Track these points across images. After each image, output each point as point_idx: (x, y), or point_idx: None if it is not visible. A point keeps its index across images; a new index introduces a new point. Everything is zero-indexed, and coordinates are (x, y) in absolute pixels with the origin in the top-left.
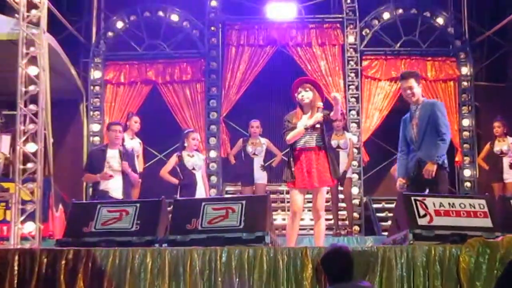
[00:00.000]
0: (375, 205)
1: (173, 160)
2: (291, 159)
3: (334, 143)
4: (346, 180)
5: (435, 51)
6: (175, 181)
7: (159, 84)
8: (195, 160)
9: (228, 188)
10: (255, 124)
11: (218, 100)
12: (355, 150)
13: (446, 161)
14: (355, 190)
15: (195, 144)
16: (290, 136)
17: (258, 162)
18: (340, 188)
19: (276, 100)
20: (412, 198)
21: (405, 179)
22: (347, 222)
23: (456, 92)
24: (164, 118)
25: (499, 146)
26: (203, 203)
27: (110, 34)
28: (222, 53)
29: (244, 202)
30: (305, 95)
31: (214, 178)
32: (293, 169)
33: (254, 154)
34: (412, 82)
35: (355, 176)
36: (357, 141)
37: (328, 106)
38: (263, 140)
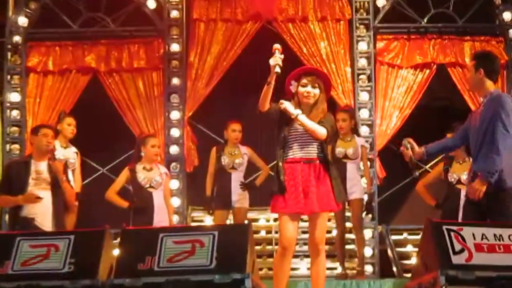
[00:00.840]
0: (394, 237)
1: (124, 175)
2: (281, 172)
3: (339, 151)
4: (355, 202)
5: (476, 28)
6: (124, 204)
7: (101, 73)
8: (153, 175)
9: (195, 214)
10: (237, 127)
11: (181, 94)
12: (368, 162)
13: (509, 180)
14: (366, 217)
15: (156, 153)
16: (261, 96)
17: (237, 178)
18: (347, 213)
19: (257, 96)
20: (444, 227)
21: (421, 150)
22: (356, 260)
23: (504, 83)
24: (108, 119)
25: (457, 171)
26: (161, 235)
27: (33, 5)
28: (186, 32)
29: (216, 233)
30: (312, 92)
31: (176, 201)
32: (281, 178)
33: (231, 168)
34: (471, 63)
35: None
36: (369, 150)
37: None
38: (244, 150)
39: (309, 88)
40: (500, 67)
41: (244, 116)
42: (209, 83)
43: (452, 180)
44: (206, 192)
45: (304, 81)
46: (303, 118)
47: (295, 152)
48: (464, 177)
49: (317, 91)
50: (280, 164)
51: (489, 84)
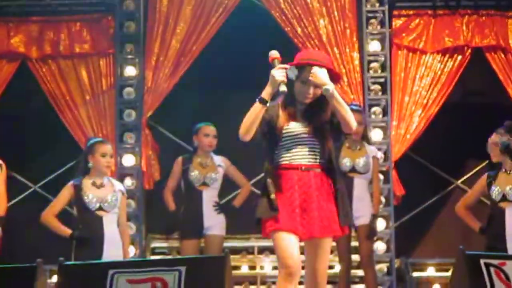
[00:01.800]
0: (416, 274)
1: (66, 193)
2: (270, 188)
3: (345, 163)
4: (364, 228)
5: None
6: (65, 231)
7: (33, 59)
8: (104, 193)
9: (156, 245)
10: (211, 130)
11: (138, 88)
12: (380, 177)
13: None
14: (380, 247)
15: (108, 164)
16: (245, 119)
17: (209, 198)
18: (353, 243)
19: (240, 91)
20: (482, 261)
21: None
22: None
23: None
24: (42, 120)
25: (502, 184)
26: (111, 272)
27: None
28: (144, 6)
29: (184, 269)
30: (313, 93)
31: (131, 226)
32: (272, 196)
33: (202, 184)
34: None
35: (381, 223)
36: (383, 160)
37: None
38: (219, 161)
39: (311, 90)
40: None
41: (219, 118)
42: (174, 74)
43: (495, 196)
44: (169, 208)
45: (307, 72)
46: (337, 94)
47: (292, 156)
48: (510, 192)
49: (319, 91)
50: (269, 179)
51: None
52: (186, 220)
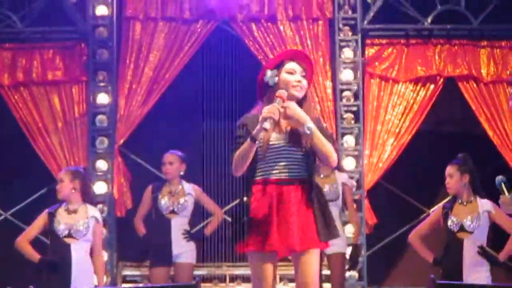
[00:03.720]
0: None
1: (41, 220)
2: (246, 200)
3: None
4: (335, 257)
5: (496, 30)
6: (35, 257)
7: (5, 87)
8: (75, 220)
9: (127, 273)
10: (166, 158)
11: (111, 116)
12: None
13: None
14: (353, 275)
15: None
16: (236, 156)
17: (178, 226)
18: (325, 271)
19: (214, 118)
20: None
21: None
22: None
23: None
24: (14, 147)
25: (459, 215)
26: None
27: None
28: (117, 34)
29: None
30: (303, 82)
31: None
32: (245, 218)
33: (171, 212)
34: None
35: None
36: (355, 189)
37: None
38: (189, 189)
39: (298, 77)
40: None
41: (192, 145)
42: (147, 101)
43: (452, 227)
44: (139, 233)
45: (290, 66)
46: (316, 132)
47: (270, 171)
48: (468, 223)
49: (305, 82)
50: (245, 198)
51: None
52: (156, 247)
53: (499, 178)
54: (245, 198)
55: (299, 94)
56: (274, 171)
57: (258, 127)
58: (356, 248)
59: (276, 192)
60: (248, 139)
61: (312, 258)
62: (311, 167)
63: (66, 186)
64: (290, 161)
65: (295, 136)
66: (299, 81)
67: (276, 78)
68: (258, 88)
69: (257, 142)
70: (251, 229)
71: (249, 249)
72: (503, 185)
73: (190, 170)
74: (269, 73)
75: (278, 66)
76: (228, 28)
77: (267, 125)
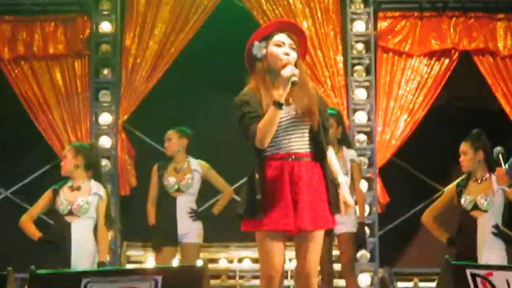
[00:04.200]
0: (401, 284)
1: (45, 198)
2: (257, 178)
3: None
4: (344, 237)
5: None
6: (35, 235)
7: (5, 60)
8: (77, 197)
9: (132, 252)
10: (166, 135)
11: (114, 91)
12: (365, 184)
13: None
14: (363, 257)
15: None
16: (262, 126)
17: (185, 205)
18: (334, 251)
19: (221, 93)
20: (469, 271)
21: None
22: None
23: None
24: (14, 123)
25: (472, 193)
26: (84, 281)
27: None
28: (121, 6)
29: (160, 278)
30: (292, 55)
31: None
32: (258, 197)
33: (177, 190)
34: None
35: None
36: (367, 167)
37: None
38: (195, 165)
39: (287, 49)
40: None
41: (199, 121)
42: (152, 76)
43: (466, 205)
44: (149, 222)
45: (278, 38)
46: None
47: (280, 146)
48: (482, 200)
49: (295, 54)
50: (257, 175)
51: None
52: (161, 227)
53: (497, 149)
54: (256, 175)
55: (290, 60)
56: (284, 146)
57: (281, 90)
58: (361, 227)
59: (288, 168)
60: (272, 106)
61: (320, 238)
62: (322, 142)
63: (69, 162)
64: (298, 134)
65: (302, 107)
66: (287, 54)
67: (264, 50)
68: (247, 60)
69: (283, 106)
70: (264, 208)
71: (264, 228)
72: (500, 156)
73: (197, 147)
74: (256, 44)
75: (267, 37)
76: (235, 0)
77: (295, 79)
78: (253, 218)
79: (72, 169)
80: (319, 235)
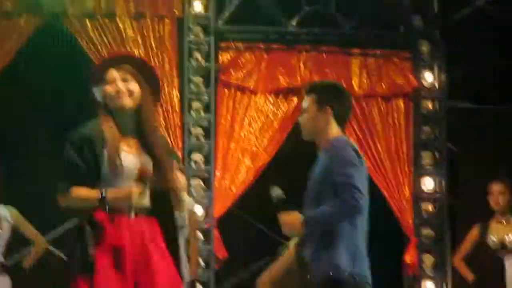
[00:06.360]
0: None
1: None
2: (89, 231)
3: None
4: None
5: (369, 38)
6: None
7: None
8: None
9: None
10: None
11: None
12: (200, 235)
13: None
14: None
15: None
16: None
17: None
18: None
19: (38, 126)
20: None
21: None
22: None
23: (408, 122)
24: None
25: (499, 233)
26: None
27: None
28: None
29: None
30: (125, 87)
31: None
32: (90, 249)
33: None
34: (309, 101)
35: None
36: (202, 216)
37: None
38: (5, 212)
39: (119, 84)
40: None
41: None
42: None
43: (491, 243)
44: None
45: (108, 76)
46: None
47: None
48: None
49: (135, 85)
50: (88, 228)
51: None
52: None
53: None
54: (87, 229)
55: (124, 103)
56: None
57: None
58: (192, 285)
59: (127, 225)
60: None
61: None
62: (167, 193)
63: None
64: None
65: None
66: (117, 91)
67: (102, 93)
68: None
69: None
70: (90, 274)
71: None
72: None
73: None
74: (94, 90)
75: (100, 78)
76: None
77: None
78: (84, 275)
79: None
80: None
